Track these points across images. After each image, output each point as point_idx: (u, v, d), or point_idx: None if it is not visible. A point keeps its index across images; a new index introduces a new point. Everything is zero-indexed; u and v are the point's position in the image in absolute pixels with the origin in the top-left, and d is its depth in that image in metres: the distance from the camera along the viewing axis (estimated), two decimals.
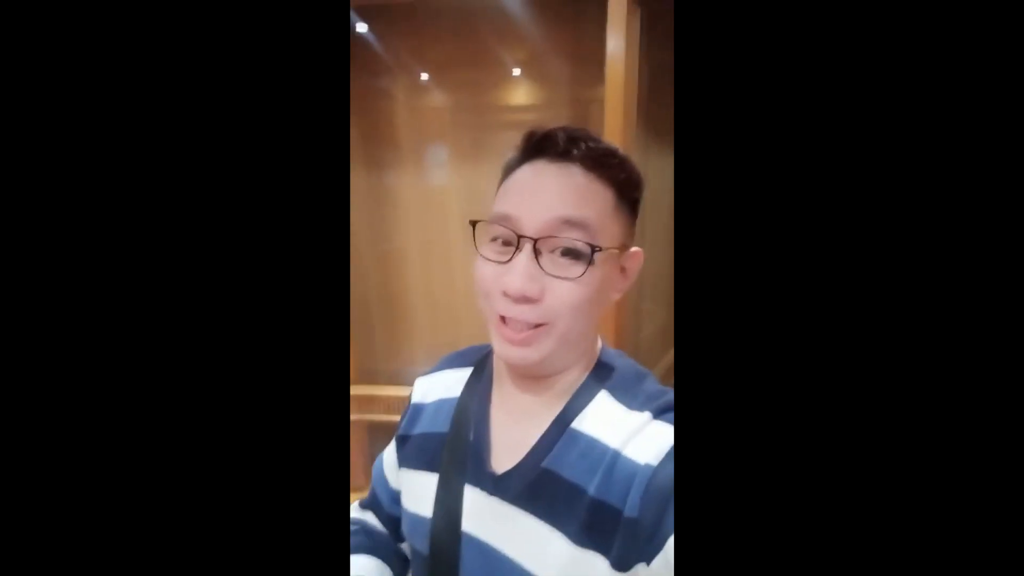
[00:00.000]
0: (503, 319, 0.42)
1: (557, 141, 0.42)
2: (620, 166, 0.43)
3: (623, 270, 0.46)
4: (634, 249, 0.46)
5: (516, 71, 1.35)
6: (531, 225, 0.40)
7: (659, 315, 1.52)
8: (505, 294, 0.40)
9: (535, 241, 0.40)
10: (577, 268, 0.40)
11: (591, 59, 1.16)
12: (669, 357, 1.48)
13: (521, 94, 1.38)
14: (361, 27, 1.33)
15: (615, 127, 1.09)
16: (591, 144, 0.42)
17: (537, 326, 0.41)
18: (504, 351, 0.43)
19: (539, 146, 0.43)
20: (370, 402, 1.42)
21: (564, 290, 0.40)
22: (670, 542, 0.35)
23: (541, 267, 0.40)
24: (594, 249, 0.40)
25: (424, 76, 1.38)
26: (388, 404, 1.39)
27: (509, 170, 0.45)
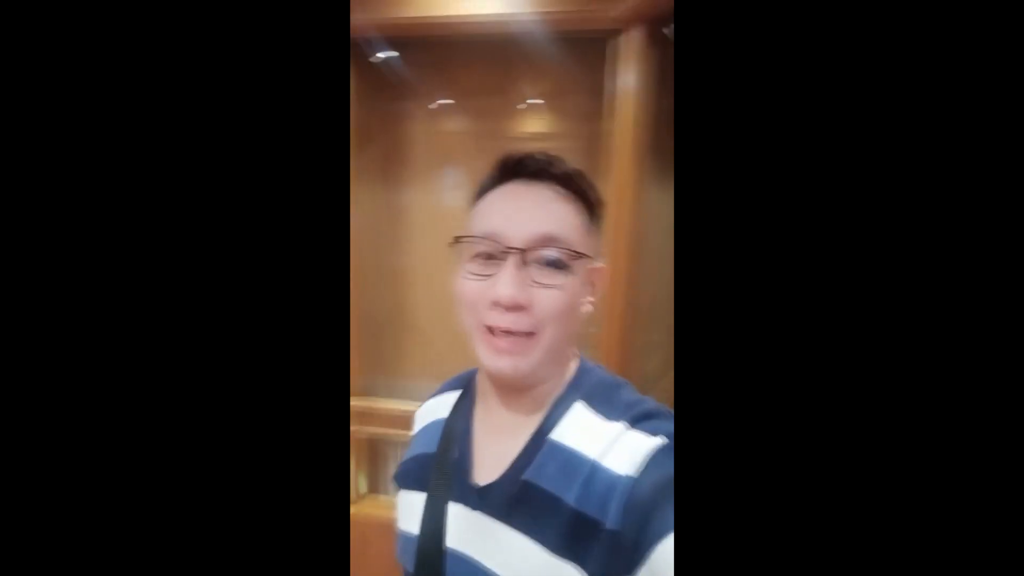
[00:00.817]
0: (491, 331, 0.43)
1: (532, 164, 0.46)
2: (588, 185, 0.47)
3: (592, 284, 0.48)
4: (600, 264, 0.49)
5: (533, 101, 1.39)
6: (517, 238, 0.42)
7: (665, 344, 1.51)
8: (496, 304, 0.42)
9: (522, 252, 0.42)
10: (561, 277, 0.43)
11: (605, 92, 1.19)
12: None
13: (537, 123, 1.42)
14: (386, 53, 1.39)
15: (624, 159, 1.12)
16: (561, 166, 0.46)
17: (527, 335, 0.43)
18: (493, 362, 0.44)
19: (514, 169, 0.46)
20: (369, 416, 1.41)
21: (551, 298, 0.42)
22: (653, 553, 0.36)
23: (528, 277, 0.42)
24: (576, 256, 0.43)
25: (444, 102, 1.43)
26: (388, 418, 1.39)
27: (482, 192, 0.48)
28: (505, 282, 0.41)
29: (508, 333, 0.43)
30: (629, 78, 1.10)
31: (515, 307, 0.42)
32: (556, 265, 0.43)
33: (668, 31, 1.14)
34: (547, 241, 0.42)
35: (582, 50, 1.29)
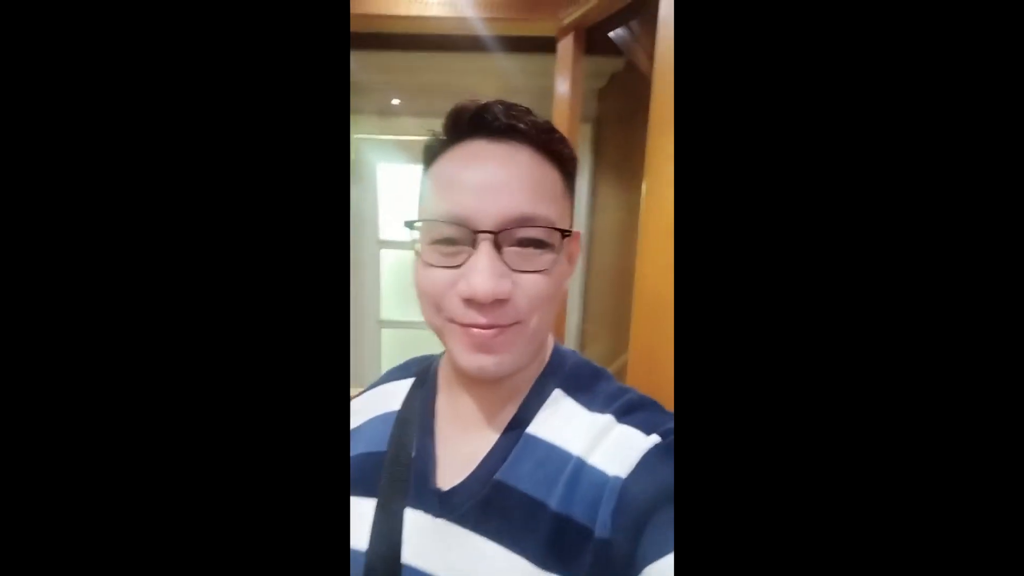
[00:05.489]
0: (465, 327, 0.36)
1: (496, 116, 0.36)
2: (561, 141, 0.39)
3: (568, 256, 0.42)
4: (576, 231, 0.42)
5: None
6: (488, 220, 0.34)
7: (602, 337, 1.60)
8: (470, 300, 0.35)
9: (495, 235, 0.35)
10: (544, 259, 0.36)
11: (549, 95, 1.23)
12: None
13: None
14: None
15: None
16: (533, 119, 0.37)
17: (511, 325, 0.36)
18: (475, 361, 0.37)
19: (474, 123, 0.37)
20: None
21: (534, 284, 0.36)
22: (651, 569, 0.31)
23: (505, 263, 0.35)
24: (564, 234, 0.37)
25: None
26: None
27: (435, 154, 0.39)
28: (481, 275, 0.34)
29: (489, 327, 0.36)
30: (563, 84, 1.10)
31: (495, 302, 0.35)
32: (537, 244, 0.36)
33: (615, 35, 1.17)
34: (525, 221, 0.35)
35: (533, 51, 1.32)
